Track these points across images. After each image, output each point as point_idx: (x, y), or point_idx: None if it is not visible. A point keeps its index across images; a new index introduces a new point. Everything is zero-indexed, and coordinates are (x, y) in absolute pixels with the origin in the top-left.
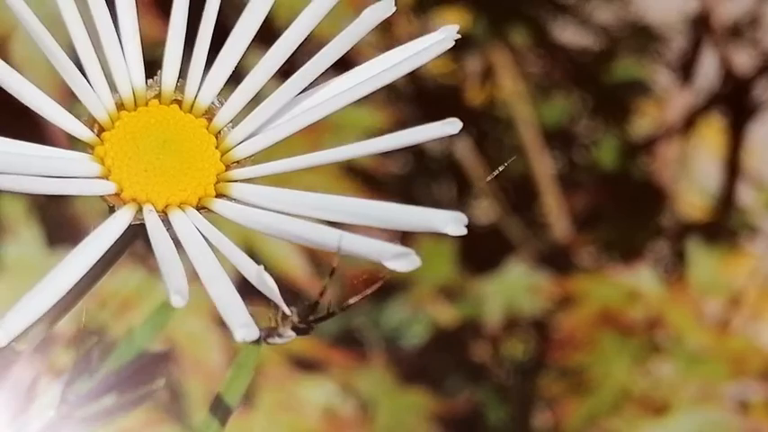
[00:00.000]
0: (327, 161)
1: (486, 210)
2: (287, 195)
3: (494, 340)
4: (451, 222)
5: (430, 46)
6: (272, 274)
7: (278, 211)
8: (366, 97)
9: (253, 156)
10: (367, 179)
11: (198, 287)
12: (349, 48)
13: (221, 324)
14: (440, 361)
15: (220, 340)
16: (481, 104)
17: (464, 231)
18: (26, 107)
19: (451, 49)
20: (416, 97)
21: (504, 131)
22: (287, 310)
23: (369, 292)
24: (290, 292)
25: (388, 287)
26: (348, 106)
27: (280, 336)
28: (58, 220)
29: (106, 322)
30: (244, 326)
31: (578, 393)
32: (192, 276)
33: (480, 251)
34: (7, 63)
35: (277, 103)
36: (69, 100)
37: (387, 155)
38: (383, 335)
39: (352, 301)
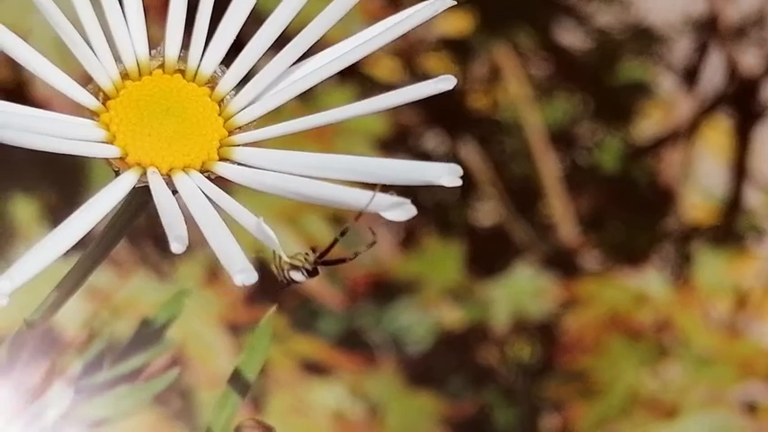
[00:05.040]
0: (328, 121)
1: (492, 212)
2: (286, 156)
3: (500, 343)
4: (446, 174)
5: (423, 8)
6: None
7: (278, 171)
8: None
9: (254, 121)
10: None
11: (209, 295)
12: (341, 16)
13: (231, 330)
14: (446, 363)
15: (230, 347)
16: (485, 107)
17: (459, 182)
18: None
19: (455, 51)
20: (419, 101)
21: (508, 134)
22: (286, 257)
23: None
24: (293, 291)
25: (395, 289)
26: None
27: (290, 279)
28: None
29: (117, 328)
30: (242, 271)
31: (586, 397)
32: (204, 282)
33: (486, 254)
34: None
35: (275, 71)
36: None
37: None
38: (390, 337)
39: (362, 250)
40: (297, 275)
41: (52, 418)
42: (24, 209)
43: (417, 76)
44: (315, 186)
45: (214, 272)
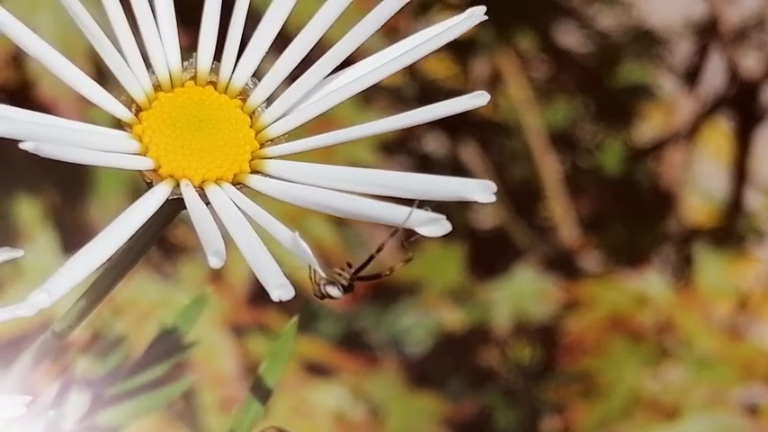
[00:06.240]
0: (361, 135)
1: (492, 214)
2: (318, 169)
3: (501, 345)
4: (480, 190)
5: (458, 23)
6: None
7: (310, 185)
8: (373, 104)
9: (286, 134)
10: None
11: (215, 295)
12: (377, 28)
13: (233, 331)
14: (447, 365)
15: (233, 348)
16: (485, 109)
17: (493, 199)
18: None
19: (456, 52)
20: (421, 102)
21: (508, 136)
22: (322, 273)
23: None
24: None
25: (396, 291)
26: (357, 116)
27: (327, 294)
28: (73, 226)
29: (121, 329)
30: (280, 287)
31: (587, 398)
32: (207, 283)
33: (487, 256)
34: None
35: (308, 83)
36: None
37: (391, 159)
38: (391, 339)
39: (396, 267)
40: (333, 291)
41: (68, 424)
42: (28, 209)
43: (418, 78)
44: (349, 201)
45: (216, 273)
